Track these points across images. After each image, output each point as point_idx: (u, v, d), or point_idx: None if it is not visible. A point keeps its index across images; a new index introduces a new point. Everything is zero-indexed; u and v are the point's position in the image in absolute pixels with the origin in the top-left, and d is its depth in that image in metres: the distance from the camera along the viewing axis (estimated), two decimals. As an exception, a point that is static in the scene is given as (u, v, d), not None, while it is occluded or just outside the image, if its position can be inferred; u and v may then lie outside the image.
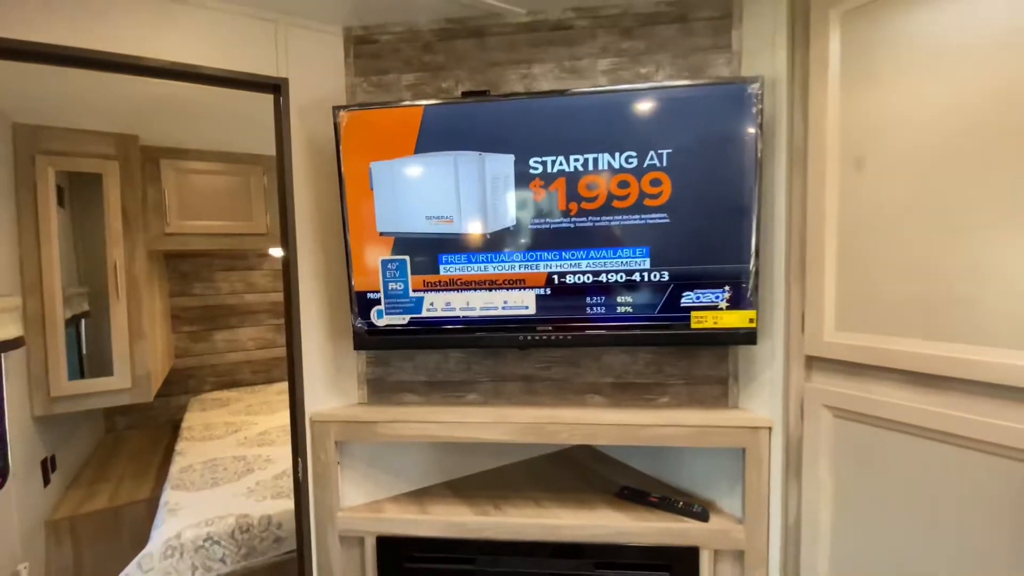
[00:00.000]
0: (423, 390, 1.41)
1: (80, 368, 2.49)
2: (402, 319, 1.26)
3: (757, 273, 1.17)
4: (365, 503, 1.44)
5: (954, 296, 0.94)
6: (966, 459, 0.94)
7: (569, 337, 1.23)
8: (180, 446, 2.53)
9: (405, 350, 1.37)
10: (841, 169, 1.10)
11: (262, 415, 3.00)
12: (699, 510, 1.32)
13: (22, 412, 2.05)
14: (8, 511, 1.84)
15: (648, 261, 1.18)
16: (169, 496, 1.99)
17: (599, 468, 1.62)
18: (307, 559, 1.37)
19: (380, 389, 1.42)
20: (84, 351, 2.55)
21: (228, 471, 2.21)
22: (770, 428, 1.23)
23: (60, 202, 2.51)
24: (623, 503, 1.40)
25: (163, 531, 1.72)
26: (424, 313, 1.25)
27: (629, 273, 1.19)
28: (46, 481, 2.21)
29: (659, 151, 1.16)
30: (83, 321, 2.54)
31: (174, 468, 2.27)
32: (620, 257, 1.19)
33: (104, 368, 2.36)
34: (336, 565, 1.37)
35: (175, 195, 2.56)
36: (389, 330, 1.27)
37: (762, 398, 1.27)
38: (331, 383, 1.39)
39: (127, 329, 2.33)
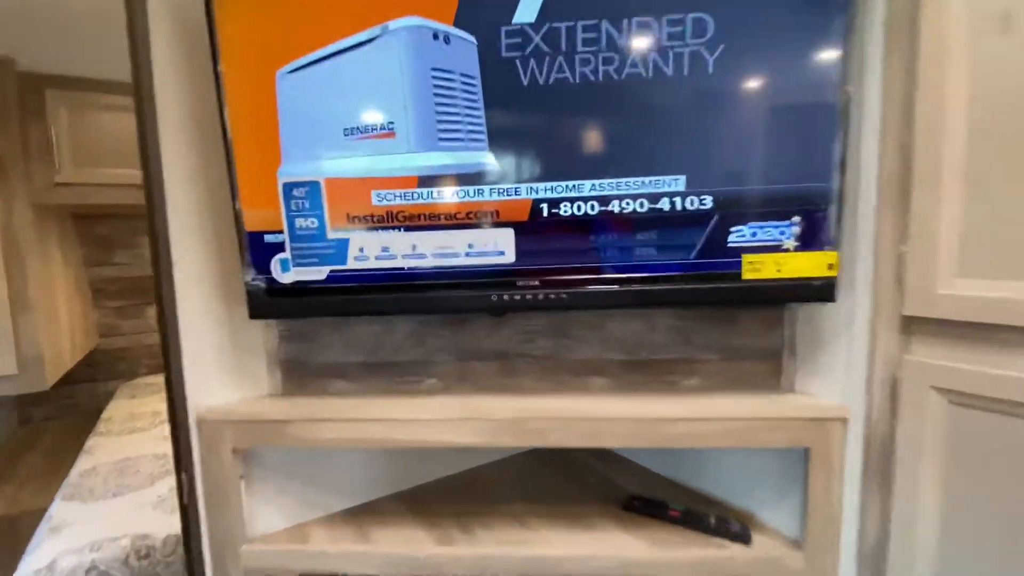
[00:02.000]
0: (359, 374, 1.02)
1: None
2: (318, 272, 0.86)
3: (842, 196, 0.79)
4: (285, 528, 1.05)
5: None
6: None
7: (564, 296, 0.84)
8: (91, 442, 2.11)
9: (325, 318, 0.97)
10: (974, 32, 0.72)
11: (199, 402, 2.57)
12: (738, 528, 0.97)
13: None
14: None
15: (683, 181, 0.79)
16: (57, 509, 1.58)
17: (599, 467, 1.26)
18: (202, 609, 0.99)
19: (300, 373, 1.02)
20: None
21: (140, 474, 1.80)
22: (845, 420, 0.88)
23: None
24: (634, 519, 1.04)
25: (32, 560, 1.32)
26: (350, 264, 0.85)
27: (654, 199, 0.80)
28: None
29: (700, 15, 0.76)
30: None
31: (74, 471, 1.85)
32: (641, 176, 0.80)
33: (-15, 351, 1.91)
34: (243, 616, 0.99)
35: (68, 136, 2.06)
36: (300, 289, 0.87)
37: (832, 377, 0.91)
38: (227, 366, 0.99)
39: (7, 301, 1.87)
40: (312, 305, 0.87)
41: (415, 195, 0.82)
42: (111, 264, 2.90)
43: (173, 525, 1.45)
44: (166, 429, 2.21)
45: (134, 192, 2.24)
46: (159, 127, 0.89)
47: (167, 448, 2.02)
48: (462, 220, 0.83)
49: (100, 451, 2.01)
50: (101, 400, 2.91)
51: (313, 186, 0.83)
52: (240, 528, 0.98)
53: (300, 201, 0.83)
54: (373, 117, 0.80)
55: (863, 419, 0.88)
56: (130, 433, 2.19)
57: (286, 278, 0.86)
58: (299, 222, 0.84)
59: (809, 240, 0.80)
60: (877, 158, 0.82)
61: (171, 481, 1.74)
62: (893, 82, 0.81)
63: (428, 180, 0.81)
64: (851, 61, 0.79)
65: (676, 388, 0.97)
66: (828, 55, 0.76)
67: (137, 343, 3.07)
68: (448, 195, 0.82)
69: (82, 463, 1.91)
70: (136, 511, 1.55)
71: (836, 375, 0.90)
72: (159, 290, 0.93)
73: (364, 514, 1.10)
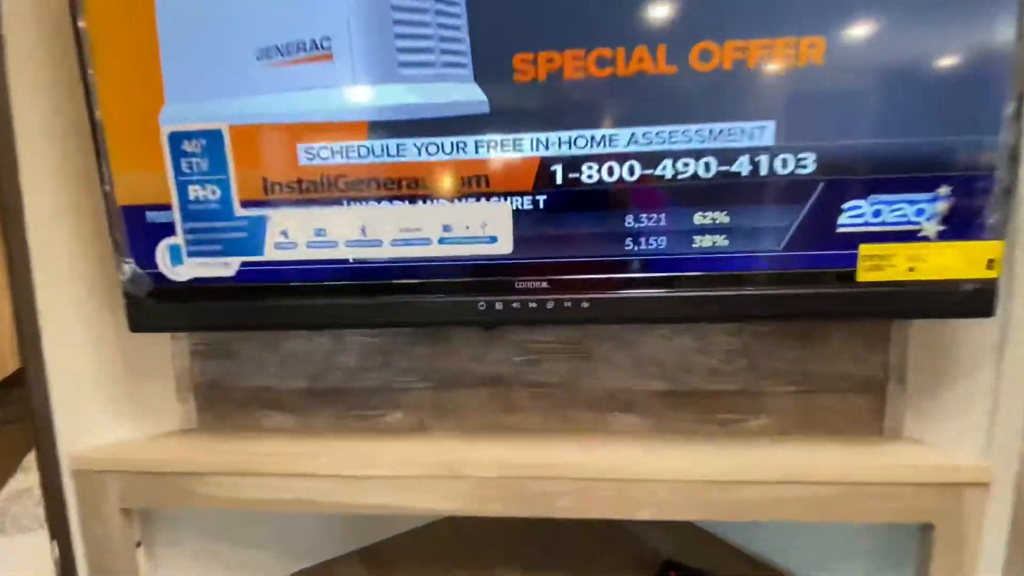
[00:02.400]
0: (302, 404, 0.75)
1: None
2: (225, 266, 0.59)
3: (1016, 156, 0.52)
4: (205, 605, 0.79)
5: None
6: None
7: (584, 304, 0.57)
8: (32, 456, 1.85)
9: (239, 331, 0.70)
10: None
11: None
12: (816, 621, 0.71)
13: None
14: None
15: (770, 129, 0.52)
16: (-33, 544, 1.33)
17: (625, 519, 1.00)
18: None
19: (221, 402, 0.76)
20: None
21: (76, 497, 1.55)
22: (986, 484, 0.61)
23: None
24: (670, 598, 0.78)
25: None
26: (270, 254, 0.58)
27: (725, 158, 0.52)
28: None
29: None
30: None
31: (4, 492, 1.60)
32: (706, 123, 0.52)
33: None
34: None
35: None
36: (199, 289, 0.60)
37: (966, 422, 0.64)
38: (116, 393, 0.72)
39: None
40: (218, 313, 0.60)
41: (363, 150, 0.55)
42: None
43: (97, 570, 1.20)
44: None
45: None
46: (6, 56, 0.62)
47: (115, 464, 1.77)
48: (435, 190, 0.55)
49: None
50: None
51: (212, 137, 0.55)
52: (138, 611, 0.72)
53: (194, 160, 0.56)
54: (300, 31, 0.53)
55: (1012, 484, 0.61)
56: (79, 444, 1.93)
57: (179, 273, 0.59)
58: (194, 191, 0.57)
59: (961, 224, 0.52)
60: (1059, 100, 0.55)
61: (109, 508, 1.49)
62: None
63: (383, 127, 0.54)
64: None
65: (737, 431, 0.71)
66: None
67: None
68: (413, 151, 0.54)
69: (16, 483, 1.66)
70: (59, 548, 1.29)
71: (973, 419, 0.63)
72: (14, 291, 0.66)
73: (313, 583, 0.84)
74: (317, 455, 0.68)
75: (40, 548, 1.34)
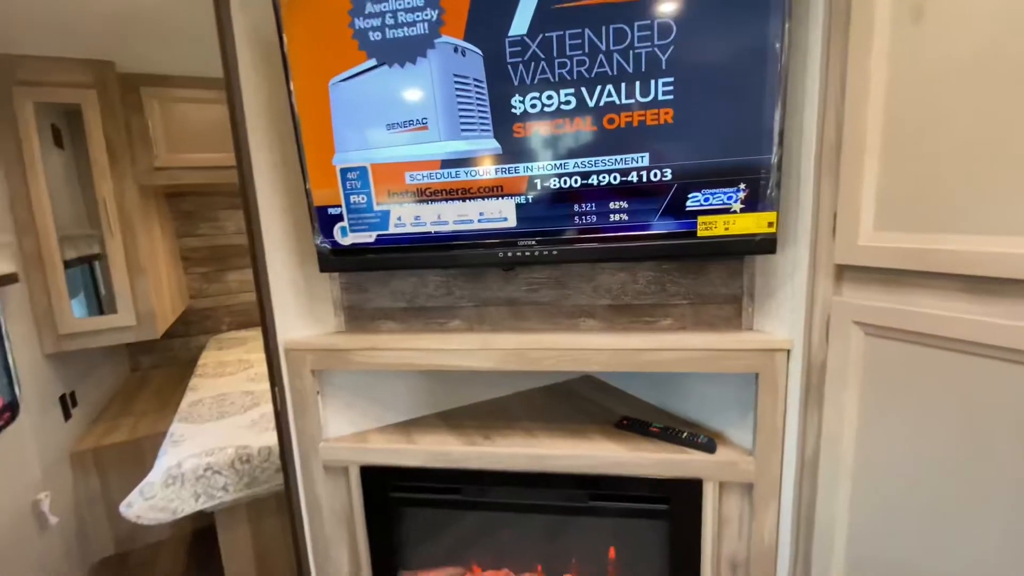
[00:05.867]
0: (402, 317, 1.30)
1: (100, 308, 2.52)
2: (368, 236, 1.13)
3: (780, 166, 0.96)
4: (351, 433, 1.37)
5: (1035, 178, 0.73)
6: (1030, 380, 0.77)
7: (555, 252, 1.07)
8: (193, 382, 2.57)
9: (377, 272, 1.25)
10: (892, 22, 0.86)
11: (274, 352, 3.01)
12: (705, 441, 1.20)
13: (31, 350, 2.07)
14: (23, 444, 1.89)
15: (646, 157, 0.99)
16: (175, 428, 2.02)
17: (599, 398, 1.51)
18: (294, 488, 1.34)
19: (358, 316, 1.32)
20: (102, 292, 2.56)
21: (235, 404, 2.22)
22: (788, 350, 1.07)
23: (59, 143, 2.43)
24: (622, 434, 1.29)
25: (164, 461, 1.74)
26: (392, 229, 1.11)
27: (624, 173, 1.00)
28: (67, 416, 2.28)
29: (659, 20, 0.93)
30: (96, 262, 2.53)
31: (184, 402, 2.30)
32: (613, 155, 1.00)
33: (114, 307, 2.36)
34: (322, 494, 1.33)
35: (161, 127, 2.43)
36: (355, 249, 1.14)
37: (781, 317, 1.10)
38: (305, 310, 1.29)
39: (125, 266, 2.29)
40: (364, 262, 1.15)
41: (438, 175, 1.06)
42: (195, 235, 3.35)
43: (265, 440, 1.84)
44: (251, 373, 2.64)
45: (213, 172, 2.61)
46: (249, 130, 1.17)
47: (254, 387, 2.45)
48: (474, 194, 1.06)
49: (201, 388, 2.45)
50: (193, 351, 3.43)
51: (362, 170, 1.09)
52: (318, 430, 1.30)
53: (352, 182, 1.10)
54: (409, 114, 1.04)
55: (803, 349, 1.07)
56: (222, 376, 2.64)
57: (345, 241, 1.14)
58: (353, 199, 1.11)
59: (753, 203, 0.98)
60: (817, 134, 0.98)
61: (260, 410, 2.15)
62: (831, 69, 0.96)
63: (448, 163, 1.05)
64: (796, 53, 0.95)
65: (653, 327, 1.19)
66: (772, 48, 0.92)
67: (220, 303, 3.55)
68: (464, 175, 1.06)
69: (189, 397, 2.36)
70: (235, 431, 1.95)
71: (784, 314, 1.09)
72: (253, 253, 1.24)
73: (410, 426, 1.40)
74: (413, 340, 1.22)
75: (215, 430, 1.98)
